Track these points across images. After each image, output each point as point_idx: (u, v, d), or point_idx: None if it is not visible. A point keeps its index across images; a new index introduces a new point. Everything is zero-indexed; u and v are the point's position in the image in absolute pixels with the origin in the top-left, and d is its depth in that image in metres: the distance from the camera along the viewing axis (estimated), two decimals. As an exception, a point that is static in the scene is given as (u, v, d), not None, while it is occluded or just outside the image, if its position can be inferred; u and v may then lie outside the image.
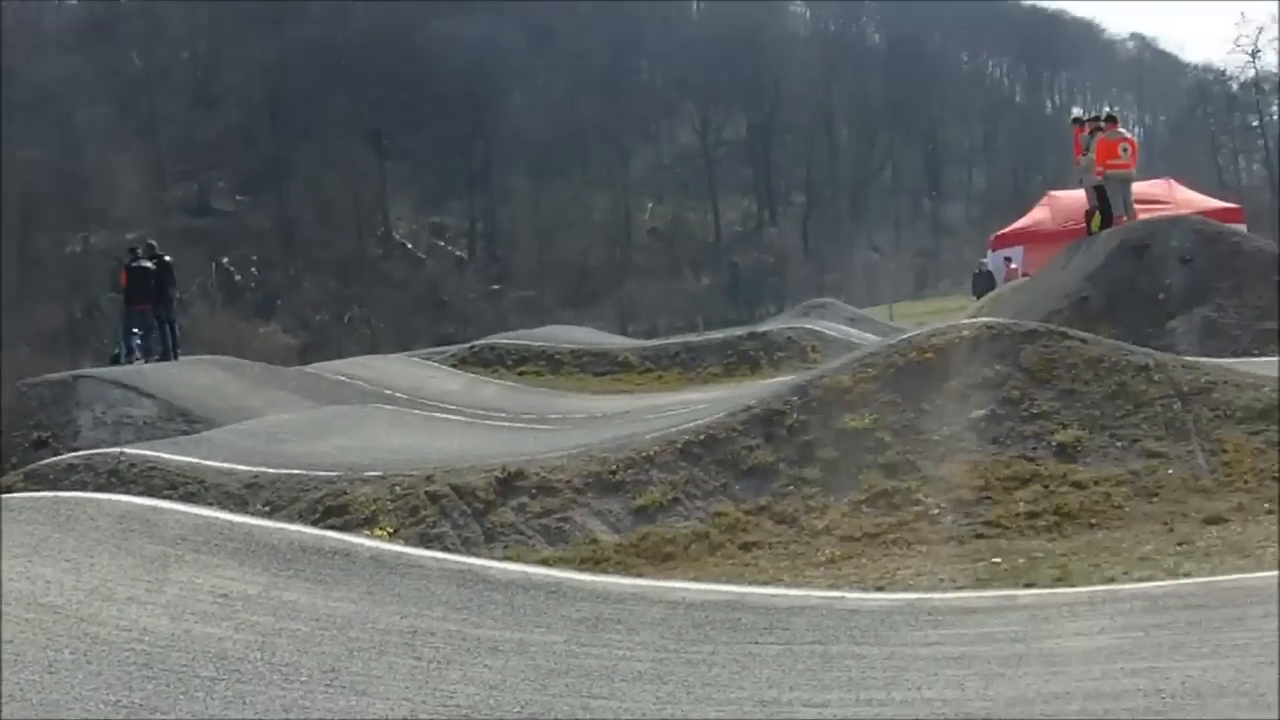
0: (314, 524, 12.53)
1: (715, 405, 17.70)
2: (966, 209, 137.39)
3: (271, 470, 15.00)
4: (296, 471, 14.87)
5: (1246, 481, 12.28)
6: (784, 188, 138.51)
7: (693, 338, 45.70)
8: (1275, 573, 9.21)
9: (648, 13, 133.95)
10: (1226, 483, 12.29)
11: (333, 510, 13.63)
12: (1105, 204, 27.98)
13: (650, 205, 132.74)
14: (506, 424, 26.26)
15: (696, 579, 11.02)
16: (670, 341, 44.23)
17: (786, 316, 50.29)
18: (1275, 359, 18.15)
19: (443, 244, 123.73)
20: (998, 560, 11.06)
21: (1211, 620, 8.37)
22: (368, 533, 12.22)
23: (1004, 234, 47.10)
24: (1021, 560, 10.99)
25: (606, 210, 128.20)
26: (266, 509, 13.65)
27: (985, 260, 46.52)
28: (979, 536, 11.87)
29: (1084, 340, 14.47)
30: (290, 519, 12.79)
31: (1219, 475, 12.41)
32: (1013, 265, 42.76)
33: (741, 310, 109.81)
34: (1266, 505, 11.77)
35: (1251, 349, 19.98)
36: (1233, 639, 7.93)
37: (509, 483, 13.37)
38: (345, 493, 13.90)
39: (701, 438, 13.90)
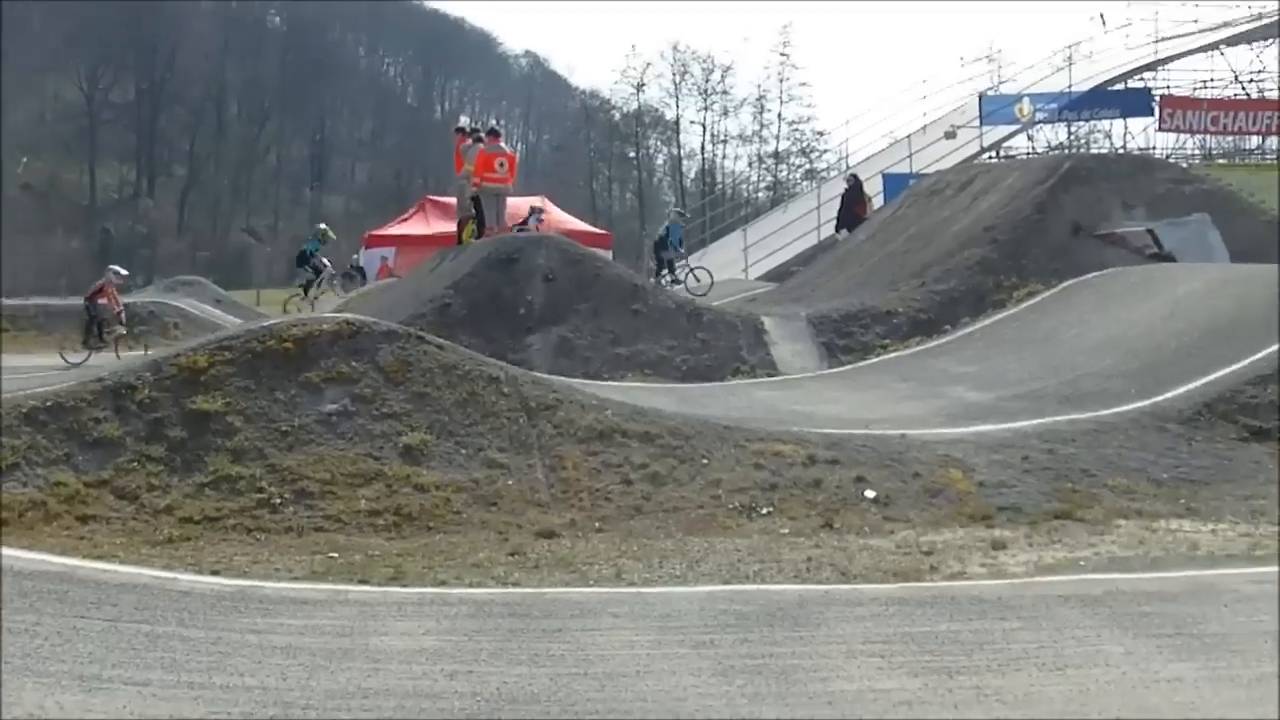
0: None
1: (67, 373, 17.20)
2: (348, 203, 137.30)
3: None
4: None
5: (581, 499, 12.73)
6: (167, 158, 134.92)
7: (55, 301, 44.09)
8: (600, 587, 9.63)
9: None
10: (562, 499, 12.70)
11: None
12: (480, 214, 28.54)
13: (24, 160, 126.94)
14: None
15: (29, 548, 10.68)
16: (30, 303, 42.53)
17: (153, 290, 49.09)
18: (621, 384, 18.97)
19: None
20: (335, 555, 11.13)
21: (533, 629, 8.78)
22: None
23: (379, 234, 47.46)
24: (358, 557, 11.10)
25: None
26: None
27: (358, 256, 46.65)
28: (319, 530, 11.89)
29: (440, 346, 14.67)
30: None
31: (555, 491, 12.82)
32: (387, 264, 43.06)
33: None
34: (597, 523, 12.28)
35: (602, 371, 20.73)
36: (550, 649, 8.34)
37: None
38: None
39: (49, 404, 13.41)
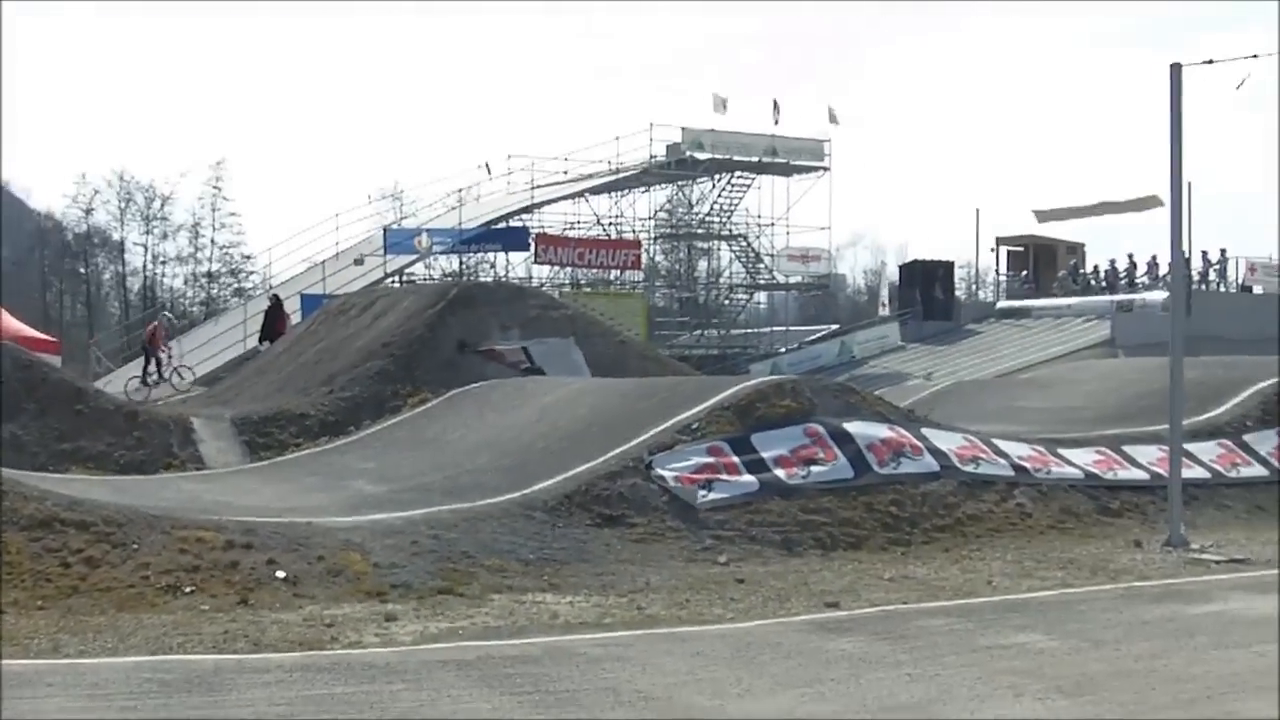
0: None
1: None
2: None
3: None
4: None
5: (24, 580, 12.29)
6: None
7: None
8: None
9: None
10: (7, 580, 12.19)
11: None
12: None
13: None
14: None
15: None
16: None
17: None
18: (64, 476, 18.36)
19: None
20: None
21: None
22: None
23: None
24: None
25: None
26: None
27: None
28: None
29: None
30: None
31: (2, 573, 12.34)
32: None
33: None
34: (39, 602, 11.92)
35: (47, 465, 20.04)
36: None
37: None
38: None
39: None
